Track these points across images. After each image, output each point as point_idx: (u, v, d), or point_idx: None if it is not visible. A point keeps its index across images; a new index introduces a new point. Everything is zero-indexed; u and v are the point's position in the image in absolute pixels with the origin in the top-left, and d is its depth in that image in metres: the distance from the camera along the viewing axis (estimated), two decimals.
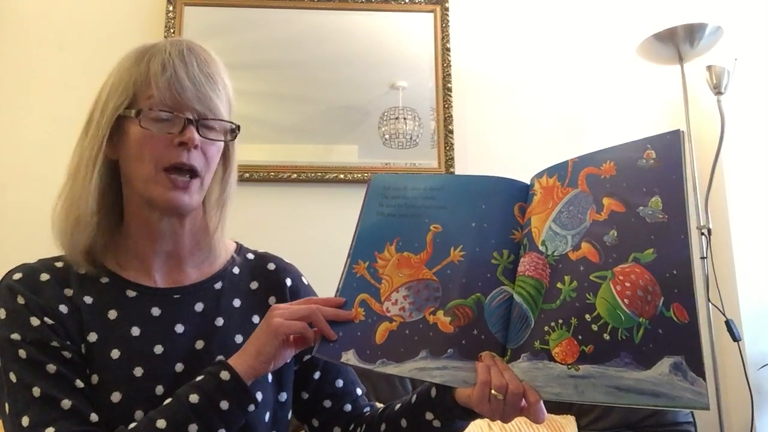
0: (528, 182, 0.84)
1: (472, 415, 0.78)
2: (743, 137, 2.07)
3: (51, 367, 0.77)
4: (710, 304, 1.87)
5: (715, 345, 1.85)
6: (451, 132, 2.10)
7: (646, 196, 0.72)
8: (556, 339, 0.72)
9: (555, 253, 0.76)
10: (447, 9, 2.19)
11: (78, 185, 0.84)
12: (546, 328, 0.73)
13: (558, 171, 0.81)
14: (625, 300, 0.69)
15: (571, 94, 2.20)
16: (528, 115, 2.17)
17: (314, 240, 1.99)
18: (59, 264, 0.86)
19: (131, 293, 0.86)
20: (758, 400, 1.87)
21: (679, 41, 1.91)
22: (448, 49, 2.16)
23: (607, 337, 0.68)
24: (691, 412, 1.69)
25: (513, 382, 0.71)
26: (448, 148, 2.09)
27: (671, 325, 0.65)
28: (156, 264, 0.89)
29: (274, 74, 2.11)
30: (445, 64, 2.15)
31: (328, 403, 0.95)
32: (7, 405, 0.77)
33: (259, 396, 0.84)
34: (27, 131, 2.02)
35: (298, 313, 0.78)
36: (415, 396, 0.87)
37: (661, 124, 2.16)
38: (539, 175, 0.83)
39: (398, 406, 0.90)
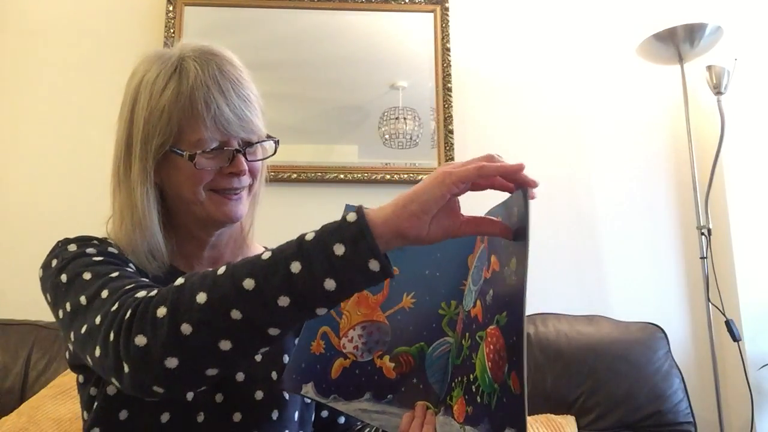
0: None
1: None
2: (743, 137, 2.06)
3: (129, 268, 0.79)
4: (710, 304, 1.87)
5: (715, 345, 1.85)
6: (451, 132, 2.10)
7: (510, 257, 0.64)
8: (456, 396, 0.71)
9: (466, 309, 0.75)
10: (447, 9, 2.19)
11: (137, 221, 0.84)
12: (453, 383, 0.73)
13: None
14: (490, 363, 0.64)
15: (571, 94, 2.19)
16: (528, 115, 2.17)
17: None
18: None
19: None
20: (758, 400, 1.87)
21: (679, 41, 1.90)
22: (448, 49, 2.16)
23: (479, 400, 0.65)
24: (692, 412, 1.68)
25: None
26: (448, 148, 2.09)
27: (509, 394, 0.59)
28: (199, 268, 0.90)
29: (274, 74, 2.10)
30: (445, 64, 2.15)
31: (342, 419, 1.00)
32: (82, 297, 0.71)
33: (286, 396, 0.87)
34: (27, 131, 2.01)
35: (469, 163, 0.63)
36: (369, 430, 0.92)
37: (661, 124, 2.16)
38: None
39: None
